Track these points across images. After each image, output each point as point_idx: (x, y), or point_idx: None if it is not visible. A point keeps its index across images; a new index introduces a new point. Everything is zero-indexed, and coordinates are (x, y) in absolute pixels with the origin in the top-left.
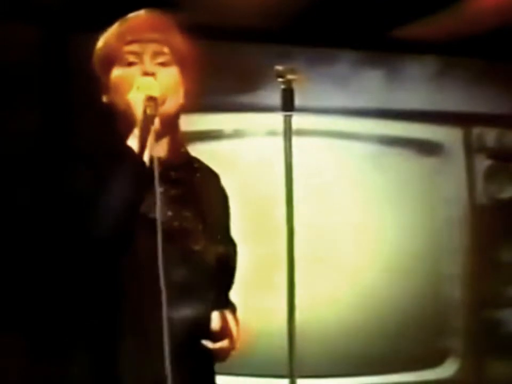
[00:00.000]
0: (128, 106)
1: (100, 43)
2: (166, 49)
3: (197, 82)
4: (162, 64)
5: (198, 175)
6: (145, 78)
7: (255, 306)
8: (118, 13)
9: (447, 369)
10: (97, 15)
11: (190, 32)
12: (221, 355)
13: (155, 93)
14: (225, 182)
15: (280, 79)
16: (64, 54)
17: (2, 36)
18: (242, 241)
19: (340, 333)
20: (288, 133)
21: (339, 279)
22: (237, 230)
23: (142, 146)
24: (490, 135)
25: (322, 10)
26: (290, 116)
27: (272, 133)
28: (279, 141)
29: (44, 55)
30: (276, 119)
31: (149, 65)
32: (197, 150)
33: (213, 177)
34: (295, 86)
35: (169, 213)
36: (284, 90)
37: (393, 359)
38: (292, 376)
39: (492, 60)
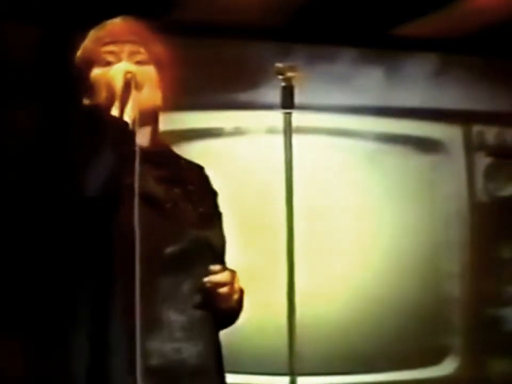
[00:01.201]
0: (109, 81)
1: (79, 51)
2: (142, 49)
3: (175, 85)
4: (139, 63)
5: (182, 161)
6: (125, 63)
7: (254, 304)
8: (118, 11)
9: (447, 367)
10: (97, 13)
11: (172, 35)
12: (222, 297)
13: (133, 69)
14: (224, 179)
15: (280, 77)
16: (65, 53)
17: (2, 35)
18: (241, 239)
19: (340, 330)
20: (288, 130)
21: (338, 276)
22: (236, 227)
23: (122, 108)
24: (490, 133)
25: (322, 8)
26: (290, 113)
27: (272, 131)
28: (279, 139)
29: (44, 54)
30: (276, 117)
31: (126, 63)
32: (197, 148)
33: (197, 169)
34: (295, 84)
35: (159, 188)
36: (284, 88)
37: (393, 356)
38: (292, 374)
39: (491, 58)
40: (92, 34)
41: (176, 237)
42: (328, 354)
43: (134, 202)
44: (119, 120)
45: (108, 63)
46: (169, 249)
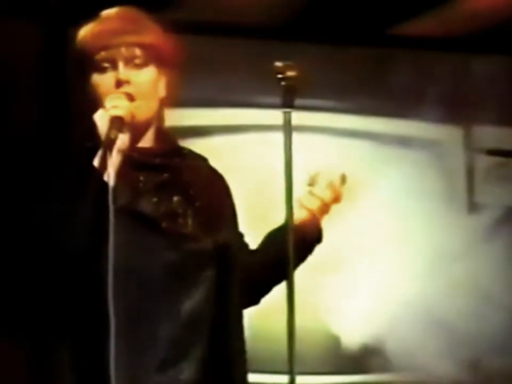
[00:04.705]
0: (94, 126)
1: (74, 50)
2: (137, 51)
3: (180, 72)
4: (137, 66)
5: (185, 160)
6: (116, 96)
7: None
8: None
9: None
10: (96, 8)
11: (175, 28)
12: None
13: (121, 112)
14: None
15: (279, 76)
16: (64, 48)
17: (2, 31)
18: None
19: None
20: (288, 129)
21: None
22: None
23: (103, 167)
24: (490, 134)
25: (322, 8)
26: (290, 112)
27: (272, 129)
28: (279, 137)
29: (43, 49)
30: (276, 116)
31: (122, 71)
32: (196, 145)
33: (201, 161)
34: (295, 83)
35: (155, 199)
36: (284, 87)
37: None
38: (291, 373)
39: (491, 57)
40: (87, 30)
41: (171, 249)
42: (329, 354)
43: (127, 224)
44: (99, 176)
45: (105, 69)
46: (164, 262)
